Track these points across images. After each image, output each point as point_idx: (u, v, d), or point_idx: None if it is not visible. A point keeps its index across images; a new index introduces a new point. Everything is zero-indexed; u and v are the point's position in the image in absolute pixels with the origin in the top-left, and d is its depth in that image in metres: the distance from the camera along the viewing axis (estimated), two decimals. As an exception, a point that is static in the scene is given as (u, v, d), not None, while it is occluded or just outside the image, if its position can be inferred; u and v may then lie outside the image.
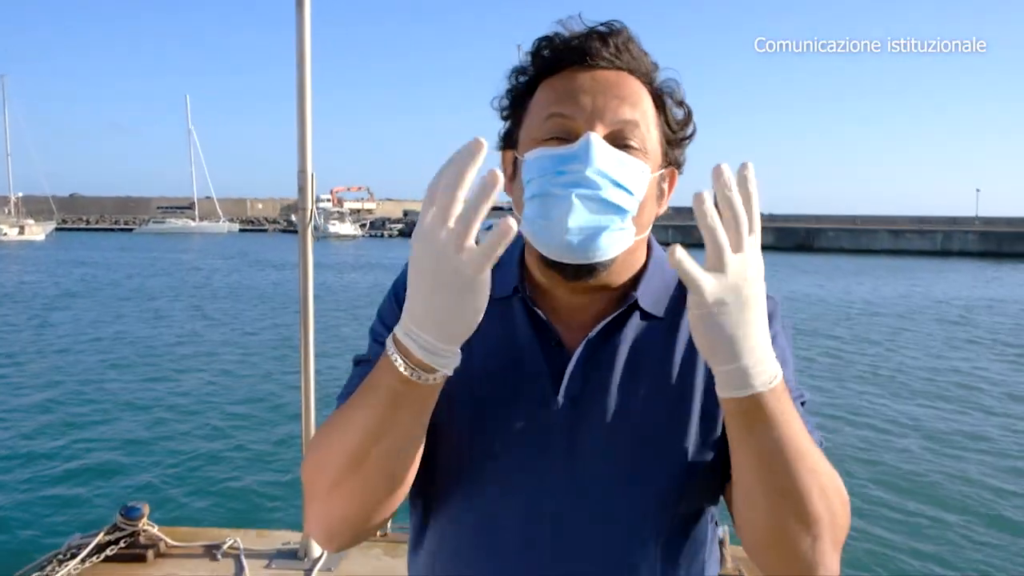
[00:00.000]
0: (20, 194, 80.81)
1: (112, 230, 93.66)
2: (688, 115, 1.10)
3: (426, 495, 1.11)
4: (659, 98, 1.07)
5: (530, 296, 1.09)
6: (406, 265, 1.00)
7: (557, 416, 1.04)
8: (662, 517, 1.05)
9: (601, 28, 1.03)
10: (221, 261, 43.61)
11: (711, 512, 1.13)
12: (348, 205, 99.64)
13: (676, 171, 1.12)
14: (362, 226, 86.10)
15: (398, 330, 0.89)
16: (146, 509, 4.14)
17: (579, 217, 0.95)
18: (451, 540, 1.09)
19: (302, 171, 3.98)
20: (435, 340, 0.86)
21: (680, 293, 1.10)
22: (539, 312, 1.08)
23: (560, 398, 1.05)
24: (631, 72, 1.04)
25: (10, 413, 10.42)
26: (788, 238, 64.07)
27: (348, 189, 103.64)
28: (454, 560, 1.08)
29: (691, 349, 1.08)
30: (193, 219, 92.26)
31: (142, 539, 4.05)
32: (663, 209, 1.12)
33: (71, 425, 9.87)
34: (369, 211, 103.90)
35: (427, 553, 1.13)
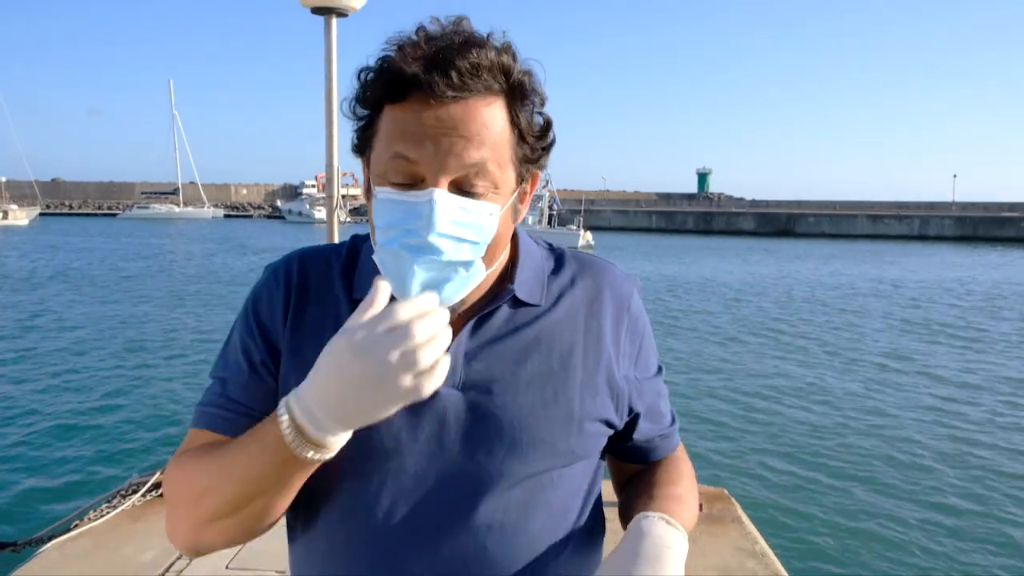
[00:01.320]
0: (3, 179, 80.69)
1: (96, 215, 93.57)
2: (547, 124, 1.07)
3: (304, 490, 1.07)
4: (514, 110, 1.02)
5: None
6: (264, 274, 1.15)
7: (439, 406, 1.05)
8: (551, 482, 1.09)
9: (442, 54, 0.96)
10: (214, 245, 43.97)
11: (597, 462, 1.19)
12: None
13: (537, 172, 1.10)
14: (351, 212, 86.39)
15: (295, 405, 0.90)
16: (195, 452, 4.77)
17: (420, 280, 0.97)
18: (332, 529, 1.08)
19: (329, 165, 4.46)
20: (338, 427, 0.89)
21: (554, 278, 1.16)
22: None
23: (441, 388, 0.97)
24: (484, 90, 0.98)
25: (78, 375, 11.92)
26: (769, 223, 65.29)
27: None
28: (334, 547, 1.08)
29: (568, 329, 1.12)
30: (177, 204, 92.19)
31: (192, 478, 4.68)
32: (525, 210, 1.13)
33: (133, 384, 11.39)
34: (354, 197, 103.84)
35: (306, 546, 1.12)
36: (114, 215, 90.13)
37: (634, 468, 1.25)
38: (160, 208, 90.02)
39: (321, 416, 0.88)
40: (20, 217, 68.55)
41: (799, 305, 20.59)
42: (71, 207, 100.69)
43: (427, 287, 0.97)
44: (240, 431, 1.02)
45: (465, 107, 0.97)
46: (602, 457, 1.19)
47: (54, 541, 4.07)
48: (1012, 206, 72.39)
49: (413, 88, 0.96)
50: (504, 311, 1.11)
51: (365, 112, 1.03)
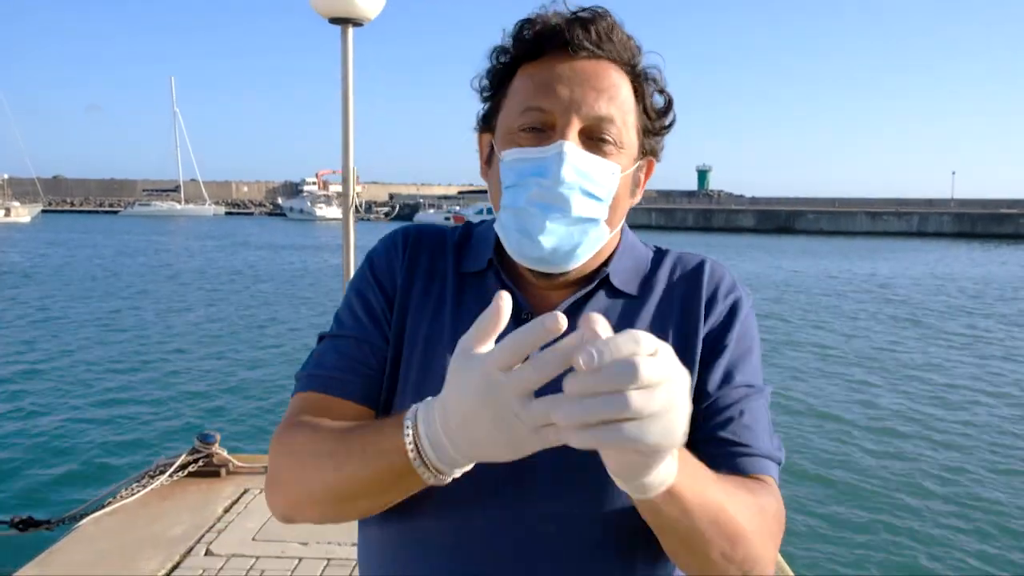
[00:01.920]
0: (6, 176, 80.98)
1: (97, 212, 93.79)
2: (668, 104, 1.09)
3: None
4: (639, 87, 1.05)
5: (504, 270, 1.10)
6: (382, 240, 1.15)
7: None
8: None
9: (584, 14, 1.02)
10: (213, 242, 44.22)
11: None
12: (333, 188, 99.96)
13: (653, 160, 1.12)
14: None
15: (423, 427, 0.83)
16: (218, 437, 5.07)
17: (552, 237, 0.99)
18: (402, 524, 1.04)
19: (345, 167, 4.72)
20: (461, 458, 0.81)
21: (652, 273, 1.13)
22: (511, 286, 1.07)
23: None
24: (613, 61, 1.03)
25: (98, 366, 12.46)
26: (769, 221, 65.42)
27: (334, 172, 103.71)
28: (406, 545, 1.04)
29: (661, 325, 1.08)
30: (179, 202, 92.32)
31: (215, 460, 4.98)
32: (638, 198, 1.13)
33: (152, 372, 12.06)
34: (358, 194, 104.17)
35: (379, 540, 1.08)
36: (116, 212, 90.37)
37: None
38: (162, 205, 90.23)
39: (448, 447, 0.81)
40: (22, 214, 68.82)
41: (793, 298, 20.86)
42: (72, 204, 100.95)
43: (556, 247, 1.00)
44: (357, 393, 1.04)
45: (598, 65, 1.02)
46: None
47: (89, 517, 4.35)
48: (1011, 203, 72.83)
49: (552, 43, 1.01)
50: (600, 297, 1.09)
51: (499, 74, 1.06)
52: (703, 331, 1.08)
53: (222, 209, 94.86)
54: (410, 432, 0.83)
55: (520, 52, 1.04)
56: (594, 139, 1.00)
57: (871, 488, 7.47)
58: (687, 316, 1.09)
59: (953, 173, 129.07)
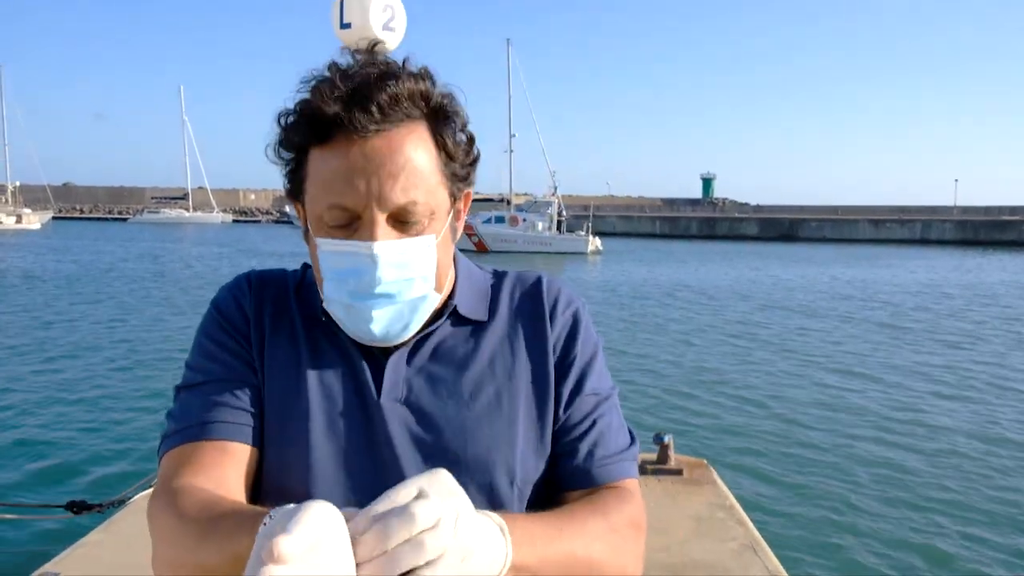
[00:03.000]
0: (17, 183, 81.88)
1: (106, 219, 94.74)
2: (470, 140, 1.08)
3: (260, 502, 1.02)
4: (439, 135, 1.03)
5: None
6: (226, 286, 1.14)
7: (384, 421, 1.05)
8: (501, 498, 1.04)
9: (362, 88, 0.96)
10: (222, 248, 44.84)
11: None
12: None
13: (469, 191, 1.12)
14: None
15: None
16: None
17: (380, 323, 1.02)
18: None
19: None
20: None
21: (494, 296, 1.16)
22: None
23: (383, 400, 1.05)
24: (406, 119, 0.99)
25: (132, 361, 13.26)
26: (772, 228, 66.02)
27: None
28: None
29: (510, 341, 1.12)
30: (187, 209, 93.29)
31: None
32: (459, 233, 1.14)
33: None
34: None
35: None
36: (124, 220, 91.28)
37: (569, 497, 1.09)
38: (170, 213, 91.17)
39: None
40: (33, 221, 69.52)
41: (797, 300, 21.33)
42: (82, 211, 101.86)
43: (390, 328, 1.03)
44: (234, 434, 1.02)
45: (389, 140, 0.97)
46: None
47: (140, 494, 4.85)
48: (1013, 210, 73.11)
49: (336, 128, 0.96)
50: (446, 327, 1.11)
51: (290, 156, 1.03)
52: (551, 345, 1.13)
53: (229, 217, 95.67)
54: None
55: (306, 137, 1.00)
56: (403, 221, 1.00)
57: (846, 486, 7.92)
58: (534, 333, 1.13)
59: (956, 181, 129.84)
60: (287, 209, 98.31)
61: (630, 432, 1.17)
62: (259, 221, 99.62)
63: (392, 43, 4.84)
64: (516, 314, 1.16)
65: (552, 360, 1.13)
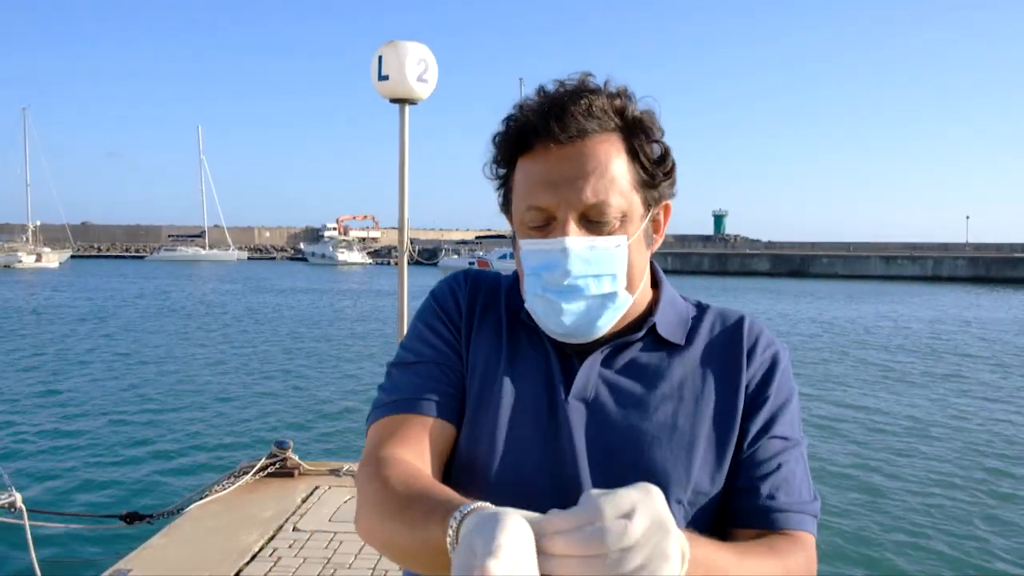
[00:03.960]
0: (38, 222, 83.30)
1: (124, 257, 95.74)
2: (665, 152, 1.13)
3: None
4: (632, 146, 1.09)
5: None
6: (444, 280, 1.25)
7: (565, 416, 1.10)
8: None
9: (559, 99, 1.07)
10: (242, 285, 45.48)
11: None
12: (354, 233, 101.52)
13: (668, 203, 1.17)
14: (370, 254, 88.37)
15: (464, 528, 0.80)
16: (291, 443, 6.02)
17: (570, 316, 1.08)
18: None
19: (400, 224, 5.61)
20: None
21: (695, 325, 1.19)
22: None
23: (571, 399, 1.11)
24: (600, 129, 1.07)
25: (180, 387, 14.76)
26: (783, 264, 66.15)
27: (354, 218, 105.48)
28: None
29: (704, 369, 1.14)
30: (203, 247, 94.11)
31: (289, 463, 5.92)
32: (659, 243, 1.19)
33: (222, 393, 14.17)
34: (374, 239, 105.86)
35: None
36: (142, 257, 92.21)
37: (743, 535, 1.09)
38: (186, 250, 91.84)
39: None
40: (52, 260, 70.67)
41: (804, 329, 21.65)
42: (99, 249, 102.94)
43: (577, 324, 1.09)
44: (436, 411, 1.11)
45: (582, 147, 1.06)
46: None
47: (194, 504, 5.29)
48: (1025, 247, 73.10)
49: (536, 137, 1.07)
50: (643, 343, 1.16)
51: (503, 172, 1.15)
52: (744, 382, 1.14)
53: (245, 254, 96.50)
54: (452, 532, 0.82)
55: (511, 148, 1.12)
56: (594, 221, 1.07)
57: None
58: (729, 367, 1.15)
59: (967, 217, 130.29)
60: (302, 246, 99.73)
61: (815, 494, 1.14)
62: (274, 258, 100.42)
63: (424, 93, 5.32)
64: (714, 346, 1.18)
65: (743, 396, 1.14)
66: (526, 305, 1.15)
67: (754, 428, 1.13)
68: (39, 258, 69.65)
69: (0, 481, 4.20)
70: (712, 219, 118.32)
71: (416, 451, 1.08)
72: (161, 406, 12.84)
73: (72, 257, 78.97)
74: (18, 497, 4.02)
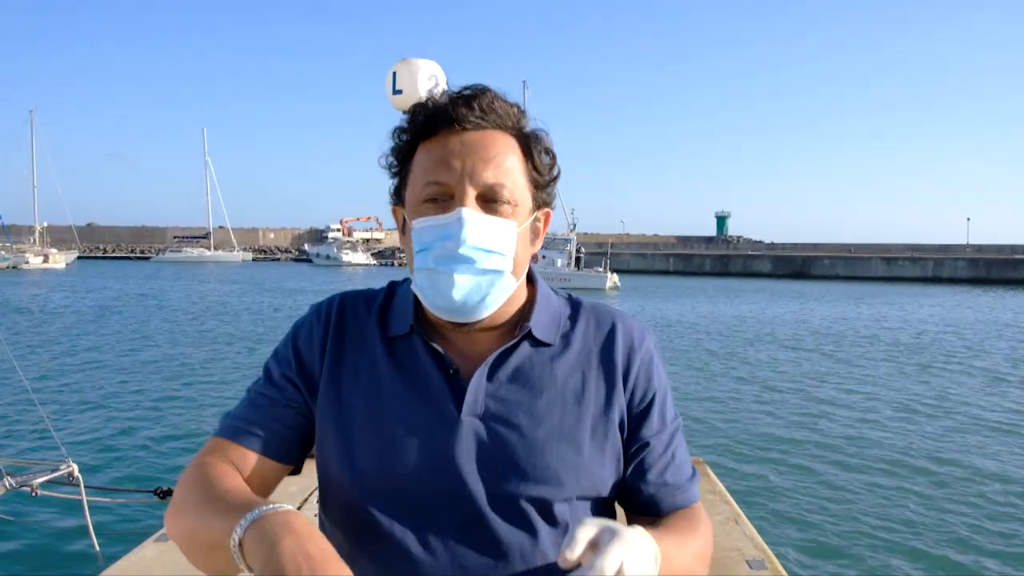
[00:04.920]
0: (45, 224, 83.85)
1: (129, 258, 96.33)
2: (553, 159, 1.20)
3: (335, 507, 1.18)
4: (527, 146, 1.17)
5: (426, 332, 1.19)
6: (309, 312, 1.26)
7: (460, 433, 1.13)
8: (566, 512, 1.14)
9: (466, 92, 1.13)
10: (249, 286, 45.98)
11: (611, 501, 1.23)
12: (357, 235, 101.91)
13: (549, 210, 1.23)
14: (374, 255, 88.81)
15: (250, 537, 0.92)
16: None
17: (460, 289, 1.11)
18: (358, 550, 1.13)
19: None
20: None
21: (570, 323, 1.25)
22: (435, 346, 1.17)
23: (463, 416, 1.13)
24: (499, 128, 1.14)
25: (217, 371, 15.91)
26: (785, 265, 66.62)
27: (358, 219, 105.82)
28: (366, 566, 1.11)
29: (582, 368, 1.20)
30: (208, 248, 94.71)
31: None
32: (538, 247, 1.23)
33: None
34: (378, 240, 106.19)
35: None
36: (147, 258, 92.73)
37: (647, 520, 1.20)
38: (192, 252, 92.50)
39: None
40: (59, 261, 71.08)
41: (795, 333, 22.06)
42: (105, 251, 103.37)
43: (467, 298, 1.11)
44: (260, 447, 1.15)
45: (484, 135, 1.13)
46: (613, 500, 1.23)
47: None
48: (1025, 248, 73.51)
49: (442, 121, 1.12)
50: (523, 348, 1.19)
51: (398, 160, 1.18)
52: (623, 379, 1.21)
53: (250, 255, 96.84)
54: (236, 538, 0.93)
55: (417, 133, 1.15)
56: (489, 202, 1.12)
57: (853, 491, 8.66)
58: (607, 365, 1.21)
59: (968, 219, 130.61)
60: (307, 247, 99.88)
61: (689, 459, 1.29)
62: (278, 259, 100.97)
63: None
64: (590, 344, 1.23)
65: (622, 393, 1.20)
66: (413, 287, 1.18)
67: (650, 425, 1.22)
68: (46, 259, 70.03)
69: (57, 453, 4.67)
70: (715, 220, 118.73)
71: (236, 472, 1.14)
72: (200, 392, 13.79)
73: (78, 258, 79.42)
74: (75, 467, 4.47)
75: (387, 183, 1.22)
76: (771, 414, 12.26)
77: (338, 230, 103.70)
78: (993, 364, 17.88)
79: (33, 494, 4.23)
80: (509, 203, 1.13)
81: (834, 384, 15.09)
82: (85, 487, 4.55)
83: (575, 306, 1.28)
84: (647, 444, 1.21)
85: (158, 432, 10.55)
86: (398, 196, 1.22)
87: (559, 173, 1.23)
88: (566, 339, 1.23)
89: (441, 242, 1.11)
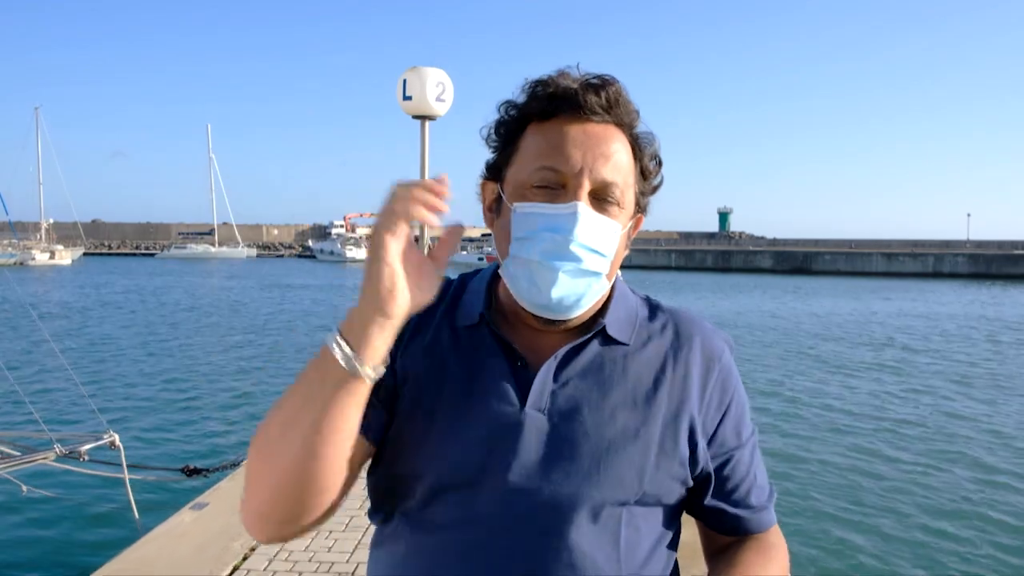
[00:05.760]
0: (51, 220, 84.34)
1: (135, 255, 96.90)
2: (658, 166, 1.16)
3: (393, 496, 1.13)
4: (637, 150, 1.12)
5: (496, 323, 1.15)
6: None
7: (523, 427, 1.09)
8: (621, 517, 1.09)
9: (595, 81, 1.08)
10: (255, 281, 46.46)
11: (672, 511, 1.17)
12: (360, 231, 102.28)
13: (642, 216, 1.18)
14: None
15: (340, 327, 0.95)
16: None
17: (561, 288, 1.05)
18: (418, 538, 1.10)
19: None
20: (379, 316, 0.93)
21: (644, 324, 1.19)
22: (505, 337, 1.13)
23: (527, 409, 1.09)
24: (617, 125, 1.09)
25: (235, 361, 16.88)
26: (787, 261, 66.90)
27: (361, 215, 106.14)
28: (421, 558, 1.09)
29: (655, 371, 1.15)
30: (213, 244, 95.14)
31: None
32: (627, 250, 1.18)
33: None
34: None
35: (391, 551, 1.14)
36: (152, 255, 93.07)
37: (724, 540, 1.22)
38: (196, 248, 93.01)
39: (356, 322, 0.94)
40: (65, 257, 71.48)
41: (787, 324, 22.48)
42: (110, 247, 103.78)
43: (564, 297, 1.07)
44: (363, 428, 1.04)
45: (605, 129, 1.08)
46: (680, 512, 1.19)
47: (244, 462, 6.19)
48: (1025, 244, 73.82)
49: (564, 105, 1.07)
50: (595, 345, 1.15)
51: (500, 138, 1.13)
52: (699, 387, 1.16)
53: (254, 251, 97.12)
54: (333, 339, 0.95)
55: (532, 110, 1.09)
56: (600, 200, 1.07)
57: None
58: (682, 371, 1.16)
59: (968, 215, 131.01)
60: (311, 243, 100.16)
61: (768, 478, 1.26)
62: (282, 255, 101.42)
63: (442, 111, 6.31)
64: (666, 347, 1.18)
65: (697, 399, 1.15)
66: (503, 274, 1.13)
67: (728, 438, 1.17)
68: (52, 255, 70.47)
69: (98, 423, 5.15)
70: (717, 217, 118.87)
71: None
72: (228, 369, 14.95)
73: (84, 255, 79.82)
74: (116, 437, 4.95)
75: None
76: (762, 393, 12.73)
77: (341, 226, 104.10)
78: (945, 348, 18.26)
79: (81, 459, 4.70)
80: (618, 204, 1.10)
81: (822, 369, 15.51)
82: (126, 455, 5.04)
83: (653, 308, 1.24)
84: (722, 457, 1.17)
85: (187, 416, 11.29)
86: (494, 172, 1.16)
87: (662, 182, 1.19)
88: (641, 340, 1.18)
89: (550, 234, 1.06)
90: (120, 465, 5.00)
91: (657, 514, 1.13)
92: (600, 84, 1.08)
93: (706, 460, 1.15)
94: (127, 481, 4.94)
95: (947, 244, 78.63)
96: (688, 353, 1.17)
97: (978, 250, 68.65)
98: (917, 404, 12.90)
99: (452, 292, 1.22)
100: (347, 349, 0.93)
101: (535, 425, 1.09)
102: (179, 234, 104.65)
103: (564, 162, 1.05)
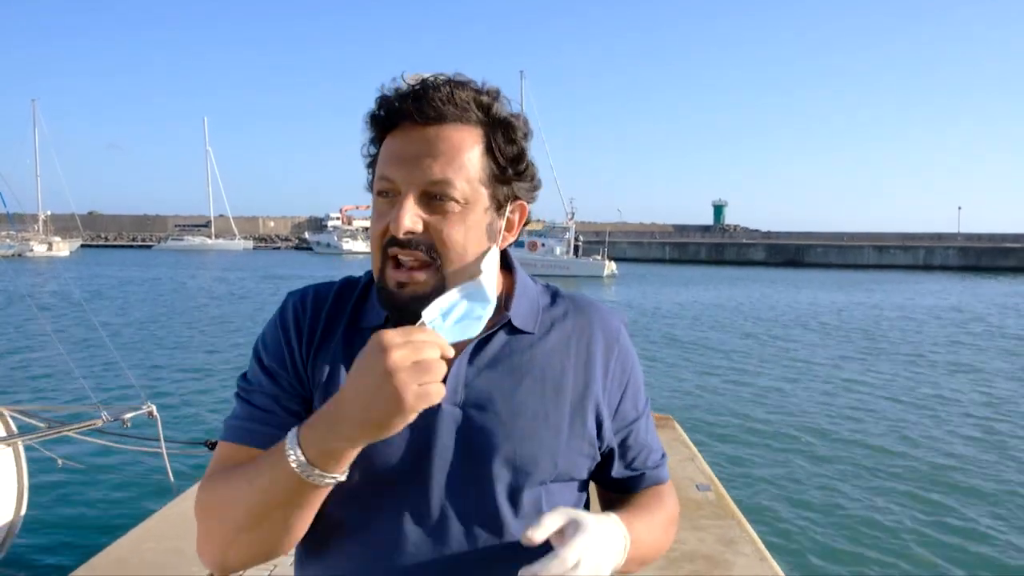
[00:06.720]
0: (49, 212, 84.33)
1: (132, 246, 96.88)
2: (520, 152, 1.15)
3: (323, 502, 1.11)
4: (490, 141, 1.11)
5: (401, 323, 1.09)
6: (280, 309, 1.21)
7: (441, 422, 1.12)
8: (540, 496, 1.16)
9: (419, 88, 1.09)
10: (251, 272, 46.81)
11: (582, 483, 1.26)
12: (357, 223, 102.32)
13: (523, 203, 1.18)
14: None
15: (305, 437, 0.97)
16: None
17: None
18: (345, 540, 1.14)
19: None
20: (347, 445, 0.96)
21: (547, 312, 1.24)
22: None
23: (443, 405, 1.11)
24: (459, 120, 1.09)
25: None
26: (779, 254, 67.35)
27: (357, 208, 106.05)
28: (351, 560, 1.13)
29: (560, 356, 1.20)
30: (210, 236, 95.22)
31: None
32: (511, 240, 1.20)
33: None
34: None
35: (321, 555, 1.16)
36: (149, 247, 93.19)
37: (618, 497, 1.30)
38: (193, 240, 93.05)
39: (330, 439, 0.96)
40: (62, 249, 71.34)
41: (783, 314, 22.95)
42: (107, 239, 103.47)
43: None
44: (268, 442, 1.06)
45: (438, 130, 1.09)
46: (589, 480, 1.27)
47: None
48: (1016, 237, 74.39)
49: (399, 116, 1.10)
50: (501, 337, 1.19)
51: (374, 151, 1.16)
52: (601, 369, 1.23)
53: (251, 244, 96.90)
54: (292, 451, 0.97)
55: (379, 126, 1.13)
56: (435, 199, 1.08)
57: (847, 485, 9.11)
58: (584, 354, 1.22)
59: (959, 208, 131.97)
60: (307, 235, 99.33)
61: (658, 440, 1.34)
62: (279, 247, 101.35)
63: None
64: (569, 333, 1.23)
65: (600, 379, 1.22)
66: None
67: (625, 414, 1.26)
68: (50, 247, 70.33)
69: (135, 392, 5.67)
70: (712, 209, 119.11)
71: None
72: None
73: (82, 246, 79.76)
74: (153, 407, 5.46)
75: None
76: (738, 382, 13.26)
77: (338, 218, 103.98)
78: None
79: (124, 425, 5.25)
80: (456, 202, 1.09)
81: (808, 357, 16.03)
82: (139, 438, 5.59)
83: (553, 295, 1.29)
84: (625, 431, 1.26)
85: (207, 395, 11.94)
86: (371, 185, 1.19)
87: (529, 167, 1.18)
88: (544, 327, 1.23)
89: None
90: (157, 439, 5.51)
91: (572, 487, 1.23)
92: (423, 90, 1.09)
93: (611, 435, 1.24)
94: (164, 449, 5.45)
95: (938, 237, 79.20)
96: (589, 336, 1.24)
97: (969, 243, 69.21)
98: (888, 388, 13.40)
99: (356, 295, 1.25)
100: (309, 464, 0.98)
101: (452, 419, 1.14)
102: (176, 226, 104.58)
103: (394, 169, 1.10)
